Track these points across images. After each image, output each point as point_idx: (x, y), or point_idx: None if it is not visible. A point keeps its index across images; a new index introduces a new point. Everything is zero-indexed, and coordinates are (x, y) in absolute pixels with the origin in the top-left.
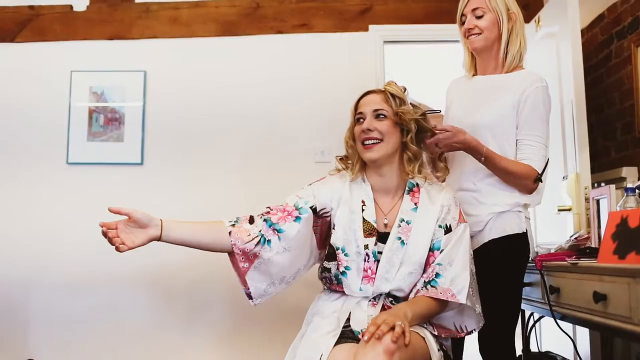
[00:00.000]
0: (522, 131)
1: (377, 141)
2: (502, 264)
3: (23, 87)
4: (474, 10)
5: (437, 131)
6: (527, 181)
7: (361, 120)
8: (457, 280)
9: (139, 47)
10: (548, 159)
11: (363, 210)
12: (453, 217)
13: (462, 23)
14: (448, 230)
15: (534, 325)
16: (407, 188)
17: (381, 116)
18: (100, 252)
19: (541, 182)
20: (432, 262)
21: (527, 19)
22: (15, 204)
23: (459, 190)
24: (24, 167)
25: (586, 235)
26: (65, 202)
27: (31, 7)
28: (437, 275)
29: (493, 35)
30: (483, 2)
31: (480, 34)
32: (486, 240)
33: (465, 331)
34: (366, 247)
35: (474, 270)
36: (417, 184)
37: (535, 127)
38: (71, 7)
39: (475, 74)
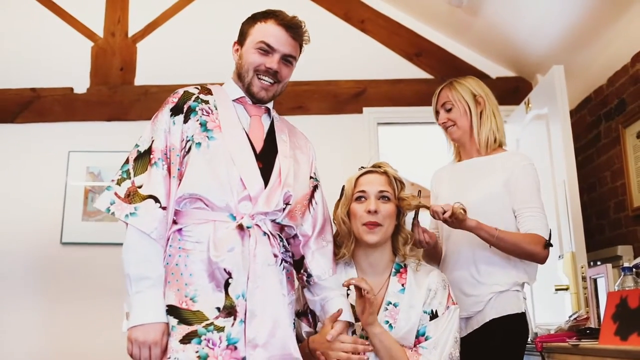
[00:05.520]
0: (519, 205)
1: (379, 224)
2: (503, 344)
3: (20, 167)
4: (443, 104)
5: (437, 210)
6: (537, 248)
7: (362, 199)
8: None
9: (137, 128)
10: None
11: (348, 294)
12: (440, 301)
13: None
14: (434, 315)
15: None
16: (393, 269)
17: (385, 198)
18: (97, 334)
19: (551, 246)
20: (417, 345)
21: (517, 101)
22: (9, 284)
23: (457, 270)
24: (18, 244)
25: (585, 315)
26: (58, 282)
27: (33, 90)
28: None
29: (466, 123)
30: (447, 96)
31: (454, 124)
32: (487, 320)
33: None
34: (353, 332)
35: (457, 355)
36: (405, 265)
37: (531, 199)
38: (72, 89)
39: (460, 160)
